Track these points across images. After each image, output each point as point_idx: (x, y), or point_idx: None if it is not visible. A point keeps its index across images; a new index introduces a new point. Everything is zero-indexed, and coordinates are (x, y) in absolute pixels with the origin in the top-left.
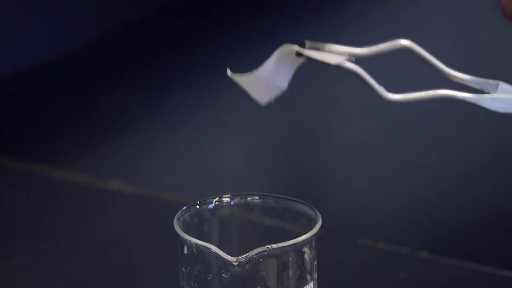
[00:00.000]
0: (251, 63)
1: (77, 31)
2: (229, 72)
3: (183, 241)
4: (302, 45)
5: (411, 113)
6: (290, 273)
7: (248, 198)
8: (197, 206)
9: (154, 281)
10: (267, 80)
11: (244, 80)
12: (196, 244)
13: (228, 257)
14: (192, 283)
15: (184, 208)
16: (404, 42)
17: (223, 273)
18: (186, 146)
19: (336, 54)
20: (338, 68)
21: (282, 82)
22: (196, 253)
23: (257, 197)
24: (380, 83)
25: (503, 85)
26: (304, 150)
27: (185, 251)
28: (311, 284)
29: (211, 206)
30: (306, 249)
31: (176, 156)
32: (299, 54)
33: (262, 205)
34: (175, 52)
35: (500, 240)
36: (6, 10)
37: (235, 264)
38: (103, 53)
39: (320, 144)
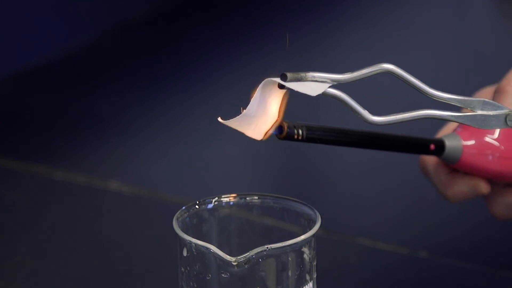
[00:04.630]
0: (250, 63)
1: (76, 32)
2: (219, 119)
3: (183, 241)
4: (283, 77)
5: None
6: (289, 273)
7: (247, 198)
8: (196, 206)
9: (153, 281)
10: (257, 116)
11: (236, 123)
12: (196, 244)
13: (228, 257)
14: (191, 283)
15: (183, 208)
16: (387, 66)
17: (222, 273)
18: (185, 146)
19: (318, 83)
20: (322, 94)
21: (271, 113)
22: (195, 253)
23: (256, 197)
24: (365, 104)
25: (487, 102)
26: (303, 150)
27: (184, 251)
28: (311, 284)
29: (210, 206)
30: (305, 249)
31: (175, 156)
32: (281, 87)
33: (261, 205)
34: (174, 53)
35: (500, 240)
36: (6, 11)
37: (234, 264)
38: (102, 53)
39: (319, 144)
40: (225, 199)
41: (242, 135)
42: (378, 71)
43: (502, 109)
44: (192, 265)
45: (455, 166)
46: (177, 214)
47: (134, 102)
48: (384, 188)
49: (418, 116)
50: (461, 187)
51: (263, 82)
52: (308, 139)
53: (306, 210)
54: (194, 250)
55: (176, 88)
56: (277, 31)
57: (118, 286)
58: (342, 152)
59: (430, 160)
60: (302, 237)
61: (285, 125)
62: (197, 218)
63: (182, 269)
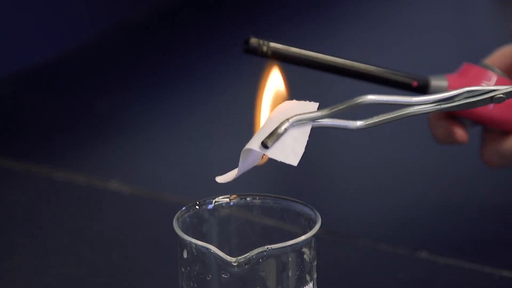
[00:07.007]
0: (250, 63)
1: (76, 32)
2: (217, 179)
3: (183, 242)
4: (264, 145)
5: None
6: (290, 274)
7: (248, 199)
8: (197, 207)
9: (154, 282)
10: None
11: (229, 177)
12: (196, 245)
13: (228, 258)
14: (191, 284)
15: (184, 208)
16: (363, 98)
17: (223, 273)
18: (185, 146)
19: (300, 127)
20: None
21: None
22: (195, 254)
23: (256, 198)
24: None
25: (471, 89)
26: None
27: (185, 251)
28: (311, 284)
29: (210, 206)
30: (305, 250)
31: (175, 157)
32: (264, 147)
33: (261, 205)
34: (174, 52)
35: (500, 240)
36: (6, 11)
37: (235, 264)
38: (102, 53)
39: (319, 144)
40: (225, 199)
41: (242, 135)
42: (355, 103)
43: (487, 92)
44: (192, 265)
45: None
46: (177, 214)
47: (134, 102)
48: (384, 188)
49: (401, 115)
50: (439, 129)
51: (242, 152)
52: (274, 55)
53: (306, 210)
54: (194, 251)
55: (176, 88)
56: (277, 31)
57: (118, 286)
58: (343, 152)
59: None
60: (303, 237)
61: (251, 40)
62: (197, 218)
63: (182, 269)
